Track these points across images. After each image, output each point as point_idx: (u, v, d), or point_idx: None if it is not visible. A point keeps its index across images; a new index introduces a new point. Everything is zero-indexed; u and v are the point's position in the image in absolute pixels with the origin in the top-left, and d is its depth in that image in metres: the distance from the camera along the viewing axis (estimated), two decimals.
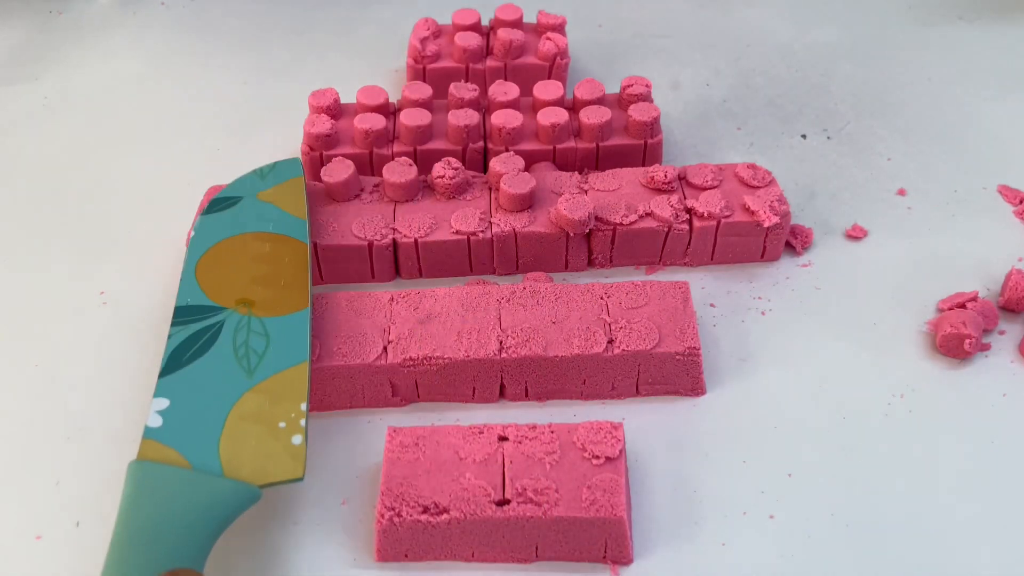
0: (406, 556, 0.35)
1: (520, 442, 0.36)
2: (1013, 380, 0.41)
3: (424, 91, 0.51)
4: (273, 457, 0.33)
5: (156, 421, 0.34)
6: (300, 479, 0.33)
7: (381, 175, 0.46)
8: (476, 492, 0.34)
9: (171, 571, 0.29)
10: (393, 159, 0.49)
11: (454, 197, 0.45)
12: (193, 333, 0.37)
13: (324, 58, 0.63)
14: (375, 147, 0.49)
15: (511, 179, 0.44)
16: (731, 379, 0.41)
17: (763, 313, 0.44)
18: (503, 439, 0.36)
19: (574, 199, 0.43)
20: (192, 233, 0.40)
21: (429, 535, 0.34)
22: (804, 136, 0.56)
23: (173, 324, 0.37)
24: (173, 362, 0.36)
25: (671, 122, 0.56)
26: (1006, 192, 0.51)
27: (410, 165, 0.45)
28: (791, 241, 0.47)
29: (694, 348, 0.39)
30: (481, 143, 0.50)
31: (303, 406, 0.35)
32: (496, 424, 0.36)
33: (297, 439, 0.34)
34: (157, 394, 0.35)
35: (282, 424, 0.34)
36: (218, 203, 0.42)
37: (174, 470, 0.32)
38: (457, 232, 0.44)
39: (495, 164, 0.45)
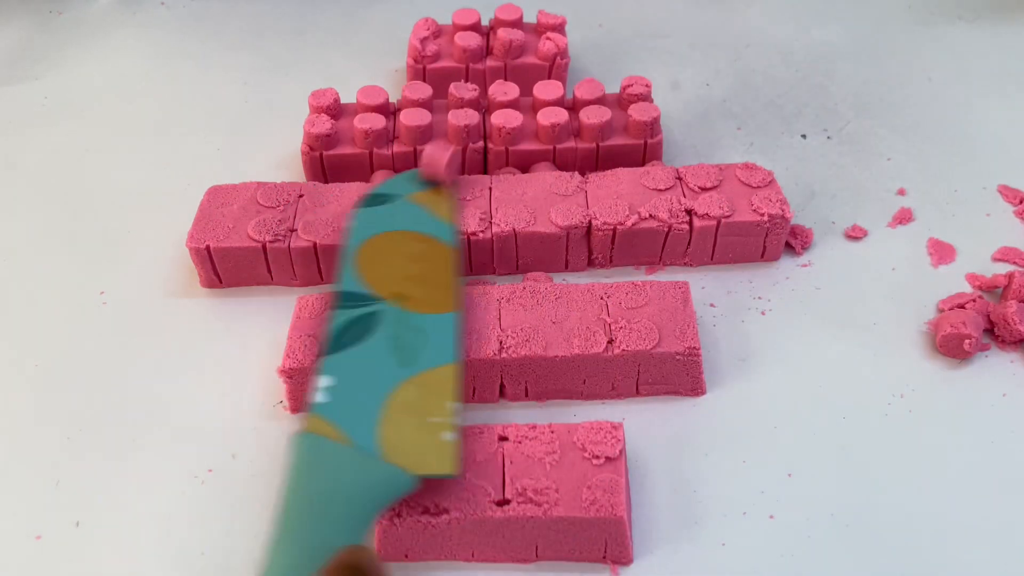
0: (406, 556, 0.35)
1: (520, 442, 0.36)
2: (1013, 380, 0.41)
3: (424, 91, 0.51)
4: (428, 449, 0.34)
5: (322, 397, 0.35)
6: (452, 475, 0.34)
7: (380, 176, 0.46)
8: (476, 492, 0.34)
9: (347, 549, 0.29)
10: (393, 159, 0.49)
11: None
12: (355, 318, 0.38)
13: (324, 58, 0.63)
14: (375, 147, 0.49)
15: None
16: (731, 379, 0.41)
17: (763, 313, 0.44)
18: (503, 439, 0.36)
19: (437, 144, 0.44)
20: (351, 224, 0.42)
21: (429, 535, 0.34)
22: (804, 136, 0.56)
23: (336, 307, 0.38)
24: (336, 343, 0.37)
25: (671, 122, 0.56)
26: (1006, 192, 0.51)
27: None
28: (791, 241, 0.47)
29: (694, 348, 0.39)
30: (481, 143, 0.50)
31: (454, 405, 0.36)
32: (496, 424, 0.36)
33: (449, 436, 0.34)
34: (323, 372, 0.36)
35: (436, 419, 0.35)
36: (374, 199, 0.44)
37: (340, 446, 0.33)
38: (457, 232, 0.44)
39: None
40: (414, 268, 0.41)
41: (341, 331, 0.38)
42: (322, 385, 0.36)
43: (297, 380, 0.39)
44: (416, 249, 0.42)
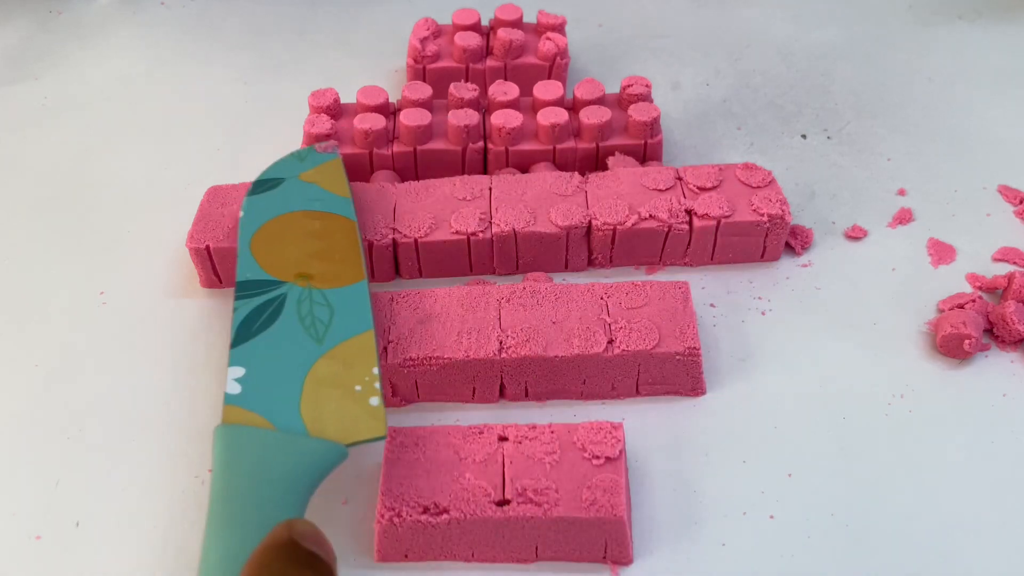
0: (406, 556, 0.35)
1: (520, 442, 0.36)
2: (1013, 380, 0.41)
3: (424, 91, 0.51)
4: (354, 418, 0.34)
5: (235, 388, 0.35)
6: (383, 438, 0.34)
7: (380, 176, 0.46)
8: (476, 492, 0.34)
9: (281, 524, 0.30)
10: (393, 159, 0.49)
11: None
12: (258, 305, 0.38)
13: (324, 58, 0.63)
14: (375, 147, 0.49)
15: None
16: (731, 379, 0.41)
17: (763, 313, 0.44)
18: (503, 439, 0.36)
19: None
20: (241, 213, 0.42)
21: (429, 535, 0.34)
22: (804, 136, 0.56)
23: (237, 298, 0.39)
24: (243, 332, 0.37)
25: (671, 122, 0.56)
26: (1006, 192, 0.51)
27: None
28: (791, 241, 0.47)
29: (694, 348, 0.39)
30: (481, 143, 0.50)
31: (375, 370, 0.36)
32: (496, 424, 0.36)
33: (374, 400, 0.35)
34: (232, 363, 0.36)
35: (358, 388, 0.35)
36: (261, 184, 0.44)
37: (262, 431, 0.33)
38: (457, 232, 0.44)
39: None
40: (314, 245, 0.41)
41: (246, 320, 0.38)
42: (233, 376, 0.36)
43: None
44: (313, 226, 0.42)
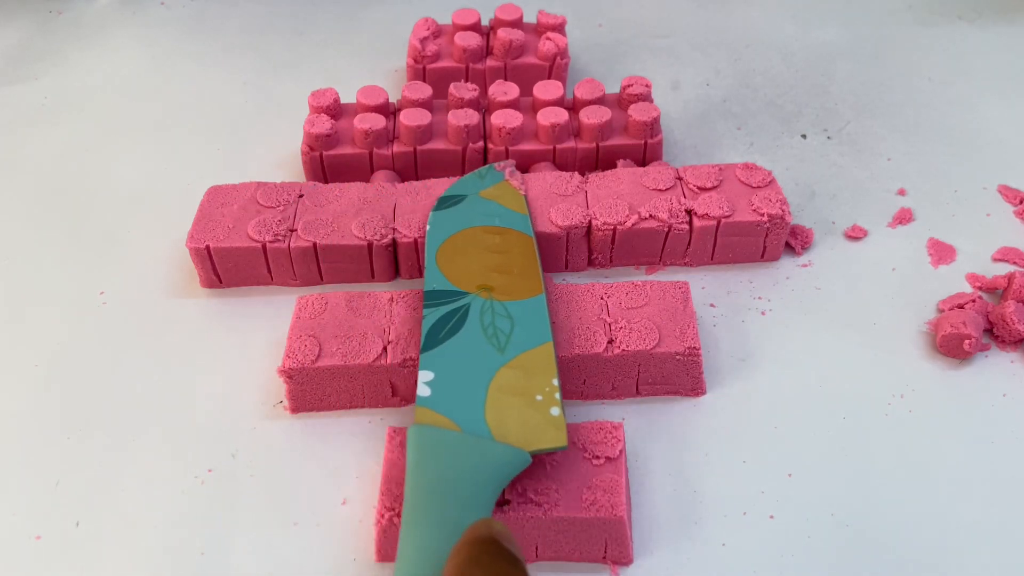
0: None
1: None
2: (1013, 380, 0.41)
3: (424, 91, 0.51)
4: (536, 427, 0.35)
5: (425, 391, 0.37)
6: (564, 447, 0.35)
7: (380, 176, 0.46)
8: None
9: (479, 522, 0.30)
10: (393, 159, 0.49)
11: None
12: (444, 314, 0.40)
13: (324, 58, 0.63)
14: (375, 147, 0.49)
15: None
16: (731, 379, 0.41)
17: (763, 313, 0.44)
18: None
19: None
20: (427, 227, 0.44)
21: None
22: (804, 136, 0.56)
23: (426, 306, 0.40)
24: (431, 339, 0.39)
25: (671, 122, 0.56)
26: (1006, 192, 0.51)
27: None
28: (791, 241, 0.47)
29: (694, 348, 0.39)
30: (481, 143, 0.50)
31: (555, 381, 0.37)
32: None
33: (555, 411, 0.36)
34: (423, 367, 0.38)
35: (539, 397, 0.36)
36: (445, 201, 0.46)
37: (452, 433, 0.34)
38: None
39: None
40: (494, 259, 0.42)
41: (434, 327, 0.39)
42: (424, 380, 0.37)
43: (297, 380, 0.39)
44: (494, 241, 0.43)
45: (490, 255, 0.43)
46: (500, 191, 0.46)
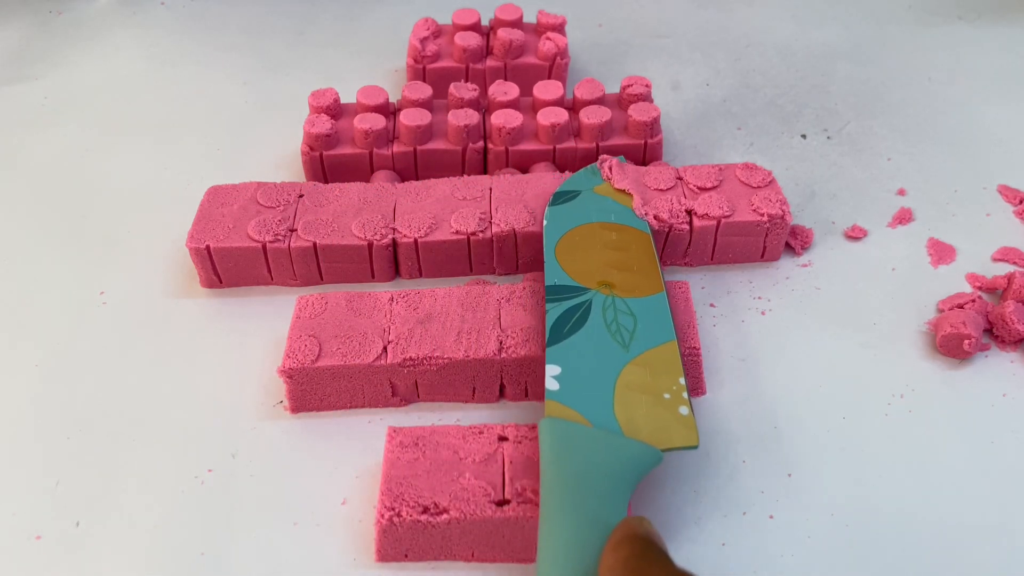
0: (406, 556, 0.35)
1: (520, 442, 0.36)
2: (1013, 380, 0.41)
3: (424, 91, 0.51)
4: (666, 425, 0.35)
5: (553, 385, 0.37)
6: (696, 447, 0.35)
7: (380, 176, 0.46)
8: (476, 492, 0.34)
9: (632, 520, 0.30)
10: (393, 159, 0.49)
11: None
12: (567, 309, 0.40)
13: (324, 58, 0.63)
14: (375, 147, 0.49)
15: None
16: (731, 379, 0.41)
17: (763, 313, 0.44)
18: (503, 439, 0.36)
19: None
20: (544, 222, 0.44)
21: (429, 535, 0.34)
22: (804, 136, 0.56)
23: (548, 301, 0.40)
24: (555, 333, 0.39)
25: (671, 122, 0.56)
26: (1006, 192, 0.51)
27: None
28: (791, 241, 0.47)
29: (694, 348, 0.39)
30: (481, 143, 0.50)
31: (681, 380, 0.37)
32: (496, 424, 0.36)
33: (684, 410, 0.36)
34: (549, 361, 0.37)
35: (666, 396, 0.36)
36: (560, 196, 0.46)
37: (585, 428, 0.34)
38: (457, 232, 0.44)
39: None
40: (613, 256, 0.42)
41: (558, 322, 0.39)
42: (551, 374, 0.37)
43: (297, 380, 0.39)
44: (611, 238, 0.43)
45: (609, 251, 0.43)
46: (611, 188, 0.46)
